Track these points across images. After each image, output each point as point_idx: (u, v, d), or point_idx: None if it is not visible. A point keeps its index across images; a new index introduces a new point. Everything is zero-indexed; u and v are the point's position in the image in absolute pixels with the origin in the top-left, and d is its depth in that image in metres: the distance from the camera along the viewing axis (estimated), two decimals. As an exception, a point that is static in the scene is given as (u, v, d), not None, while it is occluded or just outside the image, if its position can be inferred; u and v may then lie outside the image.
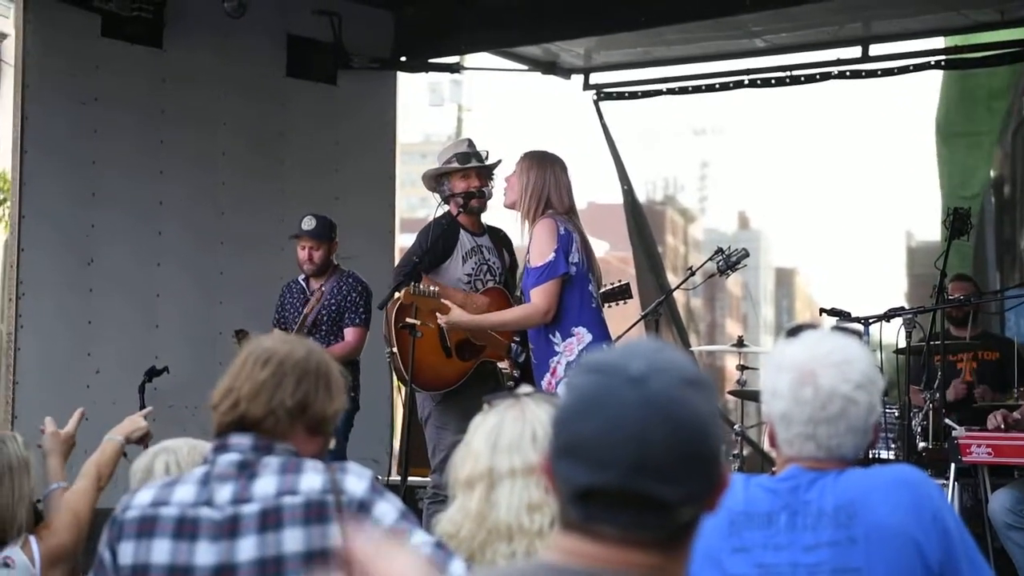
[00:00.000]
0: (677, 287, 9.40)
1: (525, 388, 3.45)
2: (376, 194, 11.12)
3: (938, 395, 7.70)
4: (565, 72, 12.00)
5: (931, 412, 7.67)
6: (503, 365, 7.68)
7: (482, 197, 7.82)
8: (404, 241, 12.37)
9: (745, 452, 9.28)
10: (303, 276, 8.96)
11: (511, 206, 7.16)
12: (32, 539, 4.51)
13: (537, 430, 3.20)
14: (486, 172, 7.87)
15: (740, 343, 9.37)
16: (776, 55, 11.16)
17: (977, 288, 9.14)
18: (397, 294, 7.27)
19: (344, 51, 10.76)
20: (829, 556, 3.12)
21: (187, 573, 3.13)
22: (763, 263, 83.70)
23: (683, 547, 1.96)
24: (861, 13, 10.38)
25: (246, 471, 3.19)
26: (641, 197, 14.08)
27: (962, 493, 7.12)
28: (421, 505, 7.90)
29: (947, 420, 7.42)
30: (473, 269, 7.80)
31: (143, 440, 5.02)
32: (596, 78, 11.98)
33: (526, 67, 11.97)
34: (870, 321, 7.79)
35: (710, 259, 8.76)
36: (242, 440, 3.24)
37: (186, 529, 3.16)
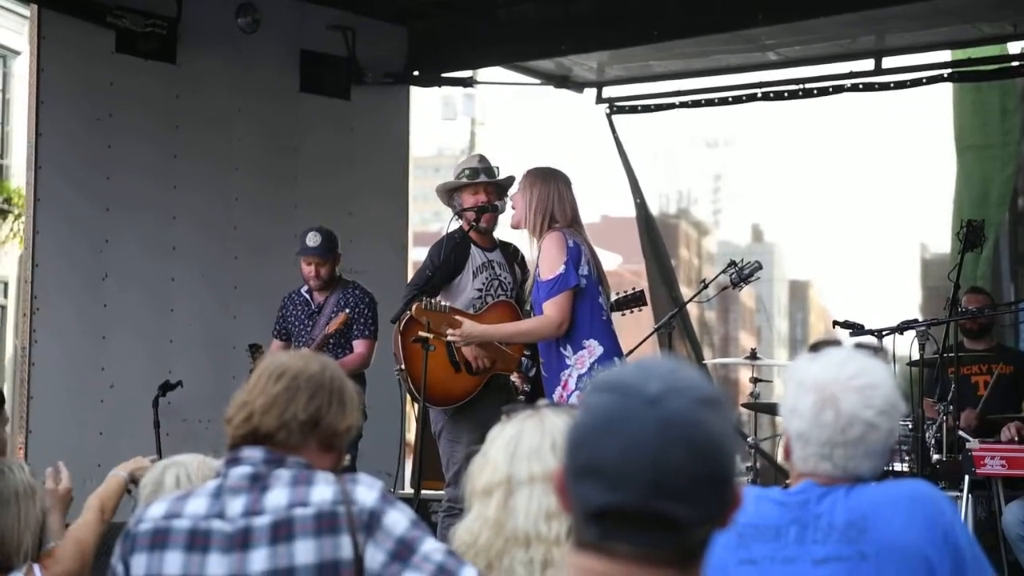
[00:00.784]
0: (690, 300, 9.41)
1: (543, 401, 3.46)
2: (389, 208, 11.15)
3: (952, 408, 7.69)
4: (578, 86, 12.01)
5: (945, 424, 7.66)
6: (514, 378, 7.68)
7: (493, 211, 7.83)
8: (417, 255, 12.40)
9: (759, 464, 9.26)
10: (306, 288, 8.95)
11: (517, 225, 7.16)
12: (36, 568, 4.51)
13: (557, 439, 3.20)
14: (496, 187, 7.89)
15: (753, 355, 9.36)
16: (789, 68, 11.16)
17: (992, 301, 9.13)
18: (409, 310, 7.29)
19: (357, 66, 10.79)
20: (838, 570, 3.10)
21: None
22: (777, 275, 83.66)
23: (696, 565, 1.96)
24: (874, 26, 10.37)
25: (258, 483, 3.20)
26: (654, 210, 14.09)
27: (976, 505, 7.11)
28: (435, 518, 7.90)
29: (961, 432, 7.41)
30: (484, 284, 7.81)
31: None
32: (609, 91, 11.99)
33: (539, 81, 11.99)
34: (883, 333, 7.78)
35: (723, 272, 8.76)
36: (254, 453, 3.25)
37: (198, 541, 3.17)
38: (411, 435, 9.54)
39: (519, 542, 3.21)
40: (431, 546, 3.15)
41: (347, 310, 8.62)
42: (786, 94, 10.96)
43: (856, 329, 7.94)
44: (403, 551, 3.14)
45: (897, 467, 7.75)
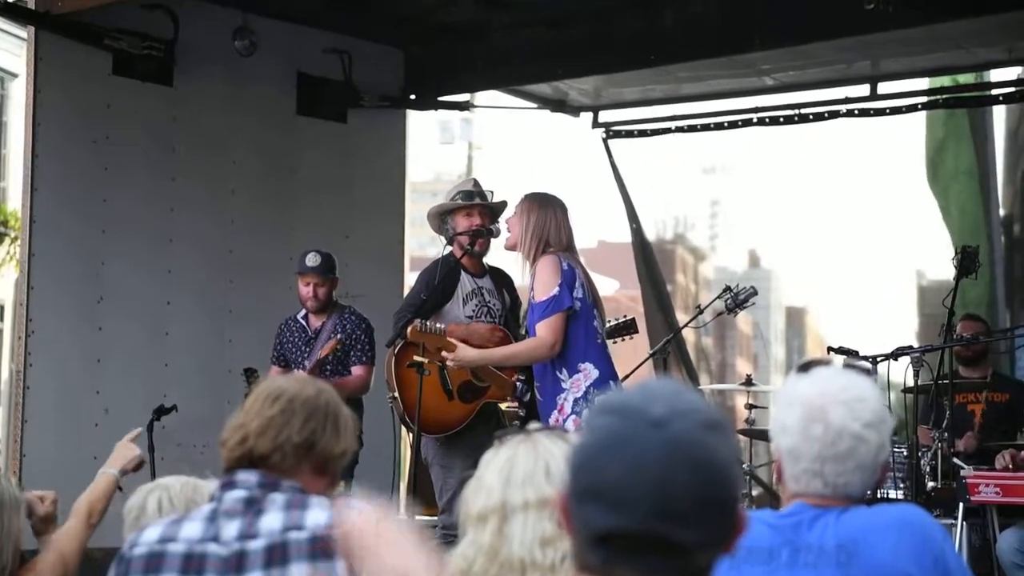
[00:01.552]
0: (685, 325, 9.42)
1: (535, 425, 3.46)
2: (385, 232, 11.14)
3: (946, 435, 7.68)
4: (574, 110, 12.04)
5: (940, 452, 7.66)
6: (507, 405, 7.67)
7: (488, 236, 7.85)
8: (414, 279, 12.41)
9: (755, 492, 9.26)
10: (302, 313, 8.94)
11: (512, 248, 7.19)
12: None
13: (550, 464, 3.19)
14: (490, 211, 7.91)
15: (748, 382, 9.36)
16: (785, 93, 11.18)
17: (988, 328, 9.13)
18: (405, 334, 7.29)
19: (354, 89, 10.80)
20: None
21: None
22: (774, 302, 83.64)
23: None
24: (870, 51, 10.40)
25: (253, 507, 3.21)
26: (651, 235, 14.10)
27: (971, 533, 7.10)
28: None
29: (955, 460, 7.41)
30: (474, 311, 7.83)
31: (138, 467, 5.00)
32: (605, 116, 12.02)
33: (535, 105, 12.02)
34: (878, 360, 7.79)
35: (718, 297, 8.78)
36: (249, 477, 3.25)
37: (193, 565, 3.17)
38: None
39: (514, 568, 3.20)
40: None
41: (339, 335, 8.61)
42: (782, 119, 10.99)
43: (850, 355, 7.95)
44: None
45: (892, 494, 7.75)
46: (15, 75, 20.71)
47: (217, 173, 10.21)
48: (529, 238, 7.03)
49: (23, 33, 10.08)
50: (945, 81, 11.20)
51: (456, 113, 13.73)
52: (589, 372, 6.85)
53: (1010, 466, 7.01)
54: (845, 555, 3.10)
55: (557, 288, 6.84)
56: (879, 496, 7.55)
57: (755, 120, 11.08)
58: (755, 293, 8.69)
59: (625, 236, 12.48)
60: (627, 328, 8.33)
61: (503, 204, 7.91)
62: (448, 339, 7.22)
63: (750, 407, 9.24)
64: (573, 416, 6.77)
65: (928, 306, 31.61)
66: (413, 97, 11.28)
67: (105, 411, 9.43)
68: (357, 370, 8.68)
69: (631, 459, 1.89)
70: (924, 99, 10.58)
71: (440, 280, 7.71)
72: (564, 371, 6.88)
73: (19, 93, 13.26)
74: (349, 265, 10.58)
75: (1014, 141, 14.99)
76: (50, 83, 9.40)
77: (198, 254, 10.04)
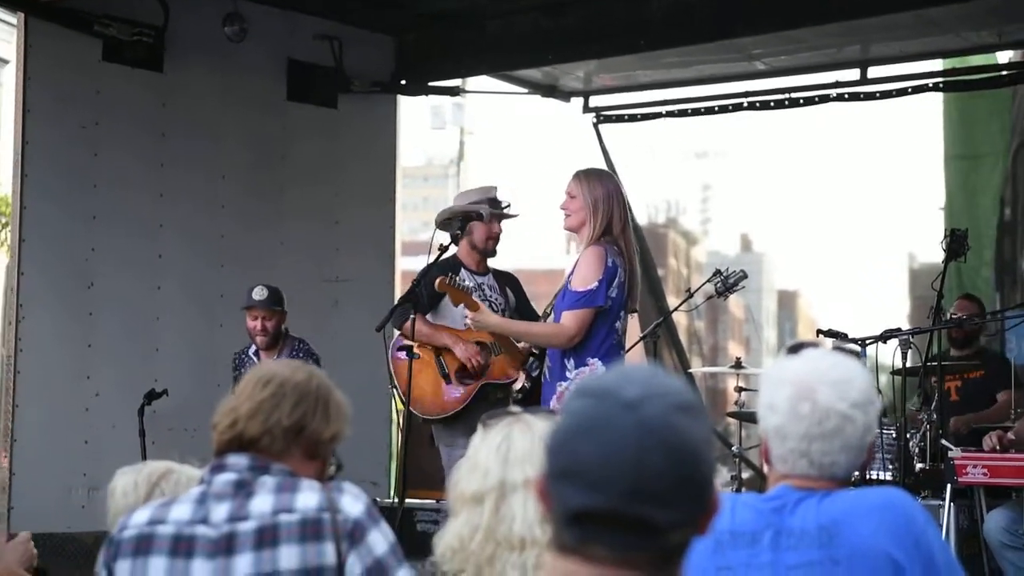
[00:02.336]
0: (675, 309, 9.44)
1: (515, 409, 3.48)
2: (376, 217, 11.15)
3: (935, 416, 7.71)
4: (565, 95, 12.05)
5: (928, 433, 7.69)
6: (516, 382, 7.68)
7: (488, 221, 7.93)
8: (405, 264, 12.42)
9: (745, 475, 9.27)
10: (254, 349, 8.98)
11: (575, 228, 7.00)
12: None
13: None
14: (504, 219, 8.04)
15: (738, 364, 9.37)
16: (776, 77, 11.18)
17: (983, 308, 9.17)
18: (438, 283, 7.27)
19: (344, 75, 10.80)
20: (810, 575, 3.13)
21: None
22: (766, 285, 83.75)
23: (674, 568, 1.99)
24: (860, 36, 10.40)
25: (243, 490, 3.23)
26: (643, 220, 14.13)
27: (958, 514, 7.13)
28: (420, 527, 7.92)
29: (943, 441, 7.44)
30: None
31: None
32: (595, 101, 12.03)
33: (526, 90, 12.02)
34: (867, 342, 7.81)
35: (708, 281, 8.79)
36: (239, 460, 3.27)
37: (182, 547, 3.19)
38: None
39: (513, 546, 3.22)
40: (404, 575, 3.22)
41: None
42: (772, 103, 10.99)
43: (839, 337, 7.97)
44: (378, 572, 3.17)
45: (881, 475, 7.78)
46: (7, 62, 20.65)
47: (207, 159, 10.21)
48: (597, 222, 6.85)
49: (14, 20, 10.06)
50: (958, 63, 11.18)
51: (448, 98, 13.73)
52: (596, 369, 6.77)
53: (997, 447, 7.04)
54: (827, 537, 3.12)
55: (596, 283, 6.74)
56: (867, 478, 7.58)
57: (746, 104, 11.10)
58: (745, 276, 8.71)
59: (617, 220, 12.46)
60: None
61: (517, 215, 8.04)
62: (474, 299, 7.19)
63: (740, 390, 9.25)
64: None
65: (919, 288, 31.66)
66: (404, 82, 11.27)
67: (96, 395, 9.45)
68: None
69: (605, 440, 1.92)
70: (914, 83, 10.56)
71: (431, 266, 7.73)
72: (572, 361, 6.81)
73: (10, 79, 13.22)
74: (339, 250, 10.64)
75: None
76: (40, 69, 9.39)
77: (188, 240, 10.04)
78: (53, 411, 9.30)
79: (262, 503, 3.19)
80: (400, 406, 7.89)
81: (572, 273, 6.88)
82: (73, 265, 9.48)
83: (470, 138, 35.36)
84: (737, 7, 9.68)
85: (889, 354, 7.96)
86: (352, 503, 3.21)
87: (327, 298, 10.61)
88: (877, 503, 3.20)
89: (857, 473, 6.67)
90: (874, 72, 10.73)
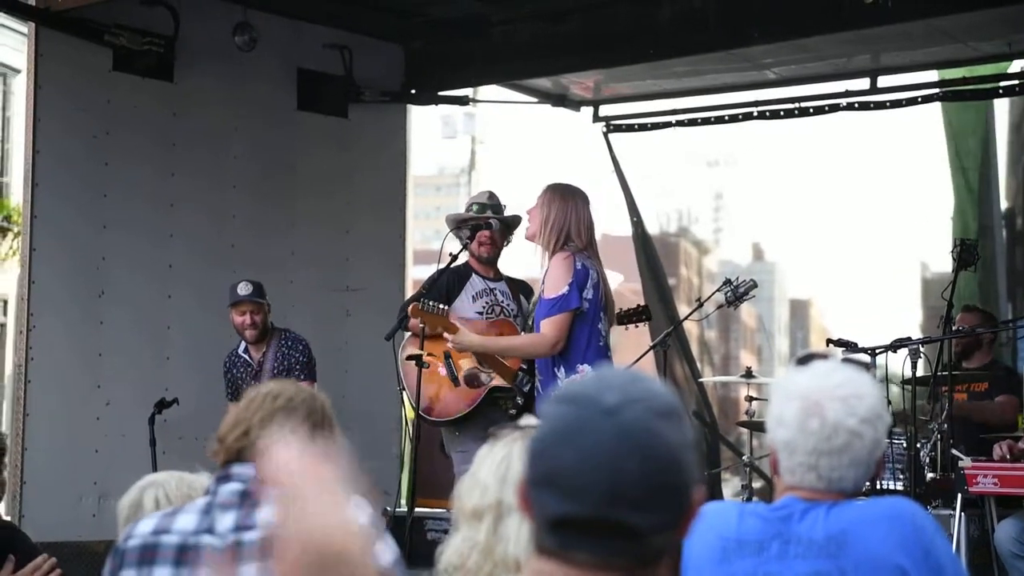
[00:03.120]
0: (685, 318, 9.44)
1: (529, 419, 3.47)
2: (387, 226, 11.15)
3: (945, 427, 7.70)
4: (575, 104, 12.04)
5: (939, 443, 7.68)
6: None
7: (488, 229, 7.92)
8: (417, 273, 12.44)
9: (756, 484, 9.27)
10: (242, 347, 9.05)
11: (531, 238, 7.15)
12: None
13: None
14: (503, 224, 8.04)
15: (749, 374, 9.37)
16: (786, 87, 11.17)
17: (987, 318, 9.13)
18: (411, 309, 7.30)
19: (354, 84, 10.80)
20: None
21: None
22: (778, 294, 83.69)
23: (656, 572, 1.99)
24: (870, 45, 10.39)
25: (248, 500, 3.22)
26: (655, 229, 14.15)
27: (969, 523, 7.11)
28: (430, 536, 7.91)
29: (954, 451, 7.42)
30: (484, 308, 7.88)
31: None
32: (605, 110, 12.02)
33: (535, 99, 12.02)
34: (876, 352, 7.80)
35: (718, 290, 8.79)
36: (244, 470, 3.26)
37: (187, 557, 3.18)
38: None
39: (509, 567, 3.22)
40: None
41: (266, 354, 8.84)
42: (782, 112, 10.98)
43: (849, 347, 7.97)
44: None
45: (892, 485, 7.77)
46: (19, 71, 20.69)
47: (218, 168, 10.22)
48: (548, 231, 6.99)
49: (25, 29, 10.09)
50: (962, 72, 11.17)
51: (459, 108, 13.80)
52: (586, 374, 6.82)
53: (1008, 456, 7.02)
54: (835, 546, 3.12)
55: (567, 287, 6.82)
56: (878, 488, 7.57)
57: (755, 114, 11.08)
58: (755, 286, 8.70)
59: (628, 229, 12.48)
60: (639, 314, 8.35)
61: (517, 218, 7.98)
62: (450, 321, 7.23)
63: (751, 399, 9.25)
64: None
65: (932, 298, 31.67)
66: (413, 92, 11.28)
67: (106, 404, 9.45)
68: None
69: (584, 447, 1.93)
70: (924, 92, 10.55)
71: (439, 275, 7.76)
72: (562, 369, 6.87)
73: (22, 89, 13.25)
74: (350, 259, 10.65)
75: (1017, 134, 14.97)
76: (50, 79, 9.41)
77: (199, 249, 10.05)
78: (64, 420, 9.31)
79: (268, 513, 3.19)
80: (411, 413, 7.91)
81: (543, 283, 6.95)
82: (84, 274, 9.50)
83: (481, 147, 35.44)
84: (748, 16, 9.67)
85: (899, 364, 7.96)
86: (358, 512, 3.21)
87: (338, 307, 10.62)
88: (885, 513, 3.19)
89: (868, 484, 6.67)
90: (884, 81, 10.73)
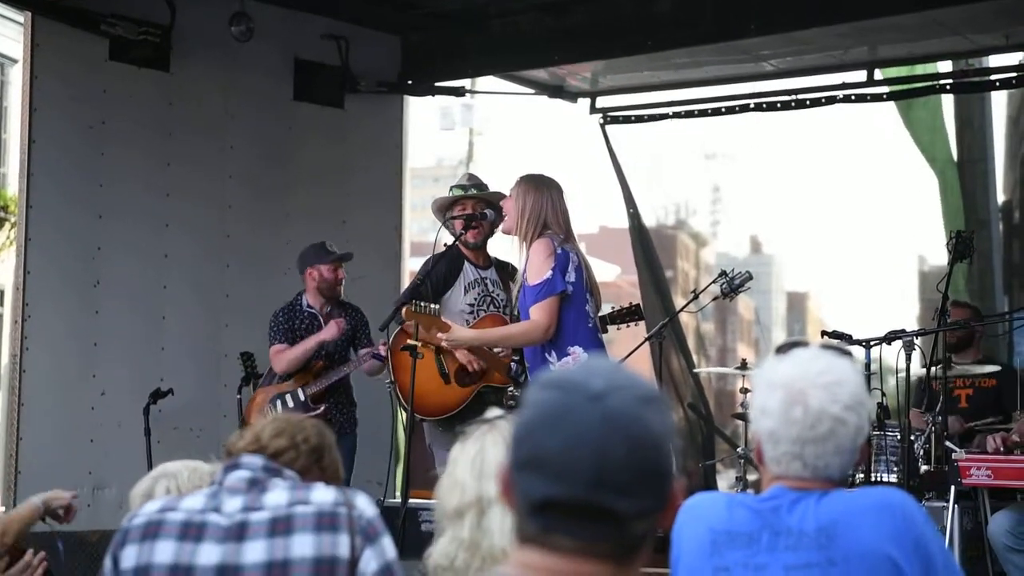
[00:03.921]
0: (680, 310, 9.42)
1: (494, 411, 3.48)
2: (383, 217, 11.15)
3: (939, 419, 7.71)
4: (571, 96, 12.03)
5: (932, 435, 7.69)
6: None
7: (481, 219, 7.93)
8: (414, 264, 12.43)
9: (750, 476, 9.27)
10: (305, 303, 8.98)
11: (508, 231, 7.18)
12: None
13: None
14: (485, 202, 8.01)
15: (744, 366, 9.38)
16: (783, 79, 11.17)
17: (976, 314, 9.12)
18: (399, 314, 7.33)
19: (351, 75, 10.80)
20: None
21: (189, 572, 3.15)
22: (775, 287, 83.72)
23: (636, 560, 2.02)
24: (867, 37, 10.39)
25: (256, 486, 3.25)
26: (652, 221, 14.16)
27: (962, 516, 7.13)
28: (424, 527, 7.91)
29: (947, 443, 7.43)
30: (476, 300, 7.89)
31: (65, 515, 5.04)
32: (602, 102, 12.01)
33: (532, 91, 12.01)
34: (871, 343, 7.81)
35: (713, 282, 8.79)
36: (254, 460, 3.30)
37: (191, 532, 3.19)
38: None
39: (496, 560, 3.23)
40: None
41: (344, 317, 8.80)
42: (779, 105, 10.99)
43: (844, 339, 7.97)
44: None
45: (886, 477, 7.78)
46: (15, 60, 20.68)
47: (214, 158, 10.22)
48: (525, 221, 7.03)
49: (22, 18, 10.08)
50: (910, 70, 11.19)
51: (456, 99, 13.73)
52: (579, 356, 6.86)
53: (1001, 449, 7.03)
54: (825, 538, 3.12)
55: (550, 272, 6.85)
56: (871, 479, 7.58)
57: (752, 106, 11.09)
58: (750, 278, 8.70)
59: (626, 221, 12.47)
60: (630, 314, 8.37)
61: (499, 194, 7.95)
62: (442, 320, 7.24)
63: (745, 391, 9.25)
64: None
65: (929, 291, 31.68)
66: (410, 83, 11.27)
67: (101, 394, 9.45)
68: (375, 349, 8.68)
69: (570, 431, 1.95)
70: (920, 84, 10.56)
71: (438, 261, 7.77)
72: (553, 354, 6.90)
73: (18, 78, 13.21)
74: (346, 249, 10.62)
75: (1014, 128, 14.96)
76: (46, 69, 9.41)
77: (194, 239, 10.05)
78: (59, 410, 9.31)
79: (277, 496, 3.22)
80: (402, 404, 7.92)
81: (525, 271, 6.97)
82: (79, 264, 9.50)
83: (479, 139, 35.46)
84: (745, 8, 9.67)
85: (893, 356, 7.96)
86: (367, 504, 3.24)
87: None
88: (876, 503, 3.19)
89: (862, 475, 6.67)
90: (881, 74, 10.73)
